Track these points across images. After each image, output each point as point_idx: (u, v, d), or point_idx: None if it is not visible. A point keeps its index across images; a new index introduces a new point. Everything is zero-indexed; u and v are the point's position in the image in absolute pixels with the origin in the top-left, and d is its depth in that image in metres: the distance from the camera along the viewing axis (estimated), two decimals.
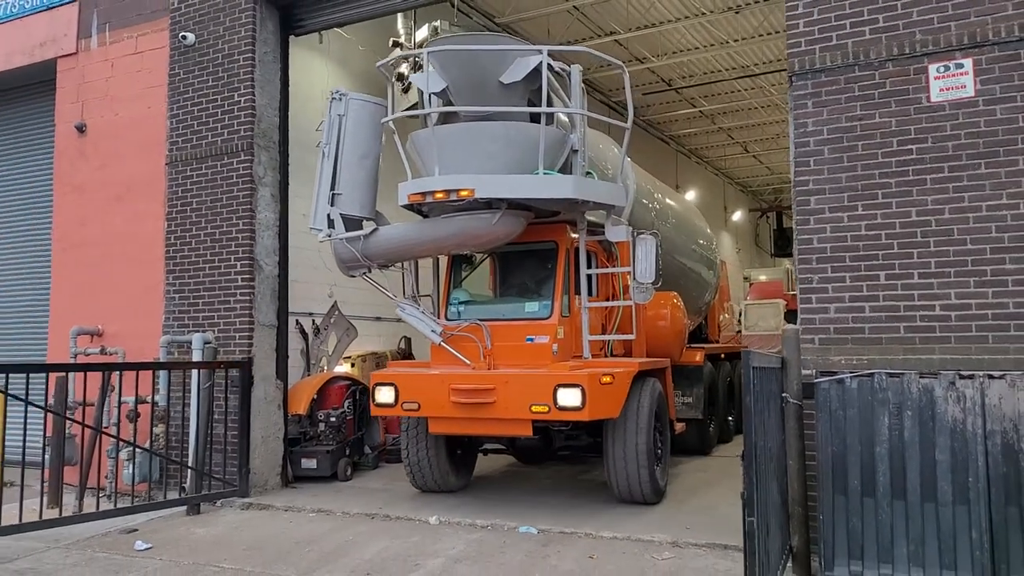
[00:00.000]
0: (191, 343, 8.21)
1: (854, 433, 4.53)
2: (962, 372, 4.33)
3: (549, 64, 6.76)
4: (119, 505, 7.38)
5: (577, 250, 7.45)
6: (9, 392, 6.60)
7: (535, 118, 6.88)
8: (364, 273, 7.62)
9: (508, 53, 6.80)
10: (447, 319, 7.60)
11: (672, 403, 8.16)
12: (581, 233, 7.39)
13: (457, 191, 6.55)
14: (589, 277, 7.52)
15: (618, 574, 5.40)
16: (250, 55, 8.51)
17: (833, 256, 5.88)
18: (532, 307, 7.42)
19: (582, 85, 7.13)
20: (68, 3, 9.70)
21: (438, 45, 7.15)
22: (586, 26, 15.91)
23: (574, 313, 7.41)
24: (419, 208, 7.38)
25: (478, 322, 7.27)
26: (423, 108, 7.37)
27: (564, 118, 7.41)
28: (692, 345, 10.07)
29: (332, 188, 7.42)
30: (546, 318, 7.23)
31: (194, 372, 7.91)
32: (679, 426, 8.49)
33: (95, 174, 9.28)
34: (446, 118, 7.28)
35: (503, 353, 7.11)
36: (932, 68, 5.65)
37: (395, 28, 11.43)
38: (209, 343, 8.21)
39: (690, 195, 27.14)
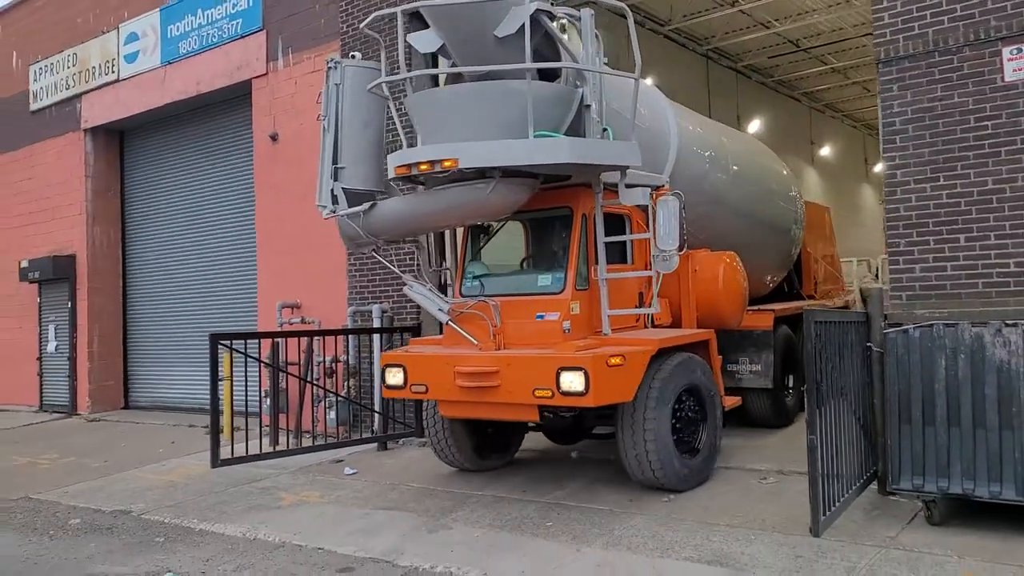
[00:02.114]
0: (371, 312, 9.99)
1: (916, 374, 5.45)
2: (1008, 320, 5.17)
3: (550, 13, 6.20)
4: (326, 442, 9.28)
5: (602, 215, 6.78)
6: (241, 351, 8.56)
7: (545, 74, 6.31)
8: (372, 249, 7.22)
9: (502, 4, 6.04)
10: (462, 294, 7.13)
11: (719, 376, 7.31)
12: (597, 197, 6.70)
13: (440, 162, 5.99)
14: (623, 244, 6.98)
15: (728, 491, 6.61)
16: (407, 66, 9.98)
17: (918, 222, 6.69)
18: (545, 280, 6.81)
19: (596, 32, 6.44)
20: (257, 32, 11.61)
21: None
22: None
23: (595, 286, 6.71)
24: (416, 179, 6.77)
25: (485, 299, 6.74)
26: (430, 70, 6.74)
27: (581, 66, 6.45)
28: (762, 307, 9.23)
29: (335, 162, 7.01)
30: (558, 292, 6.59)
31: (375, 336, 9.67)
32: (730, 400, 7.62)
33: (286, 175, 11.18)
34: (454, 80, 6.64)
35: (513, 332, 6.61)
36: (1005, 51, 6.31)
37: None
38: (386, 312, 9.95)
39: (825, 150, 26.98)
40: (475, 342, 6.66)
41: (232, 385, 9.74)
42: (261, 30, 11.55)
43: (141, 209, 14.33)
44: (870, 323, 6.24)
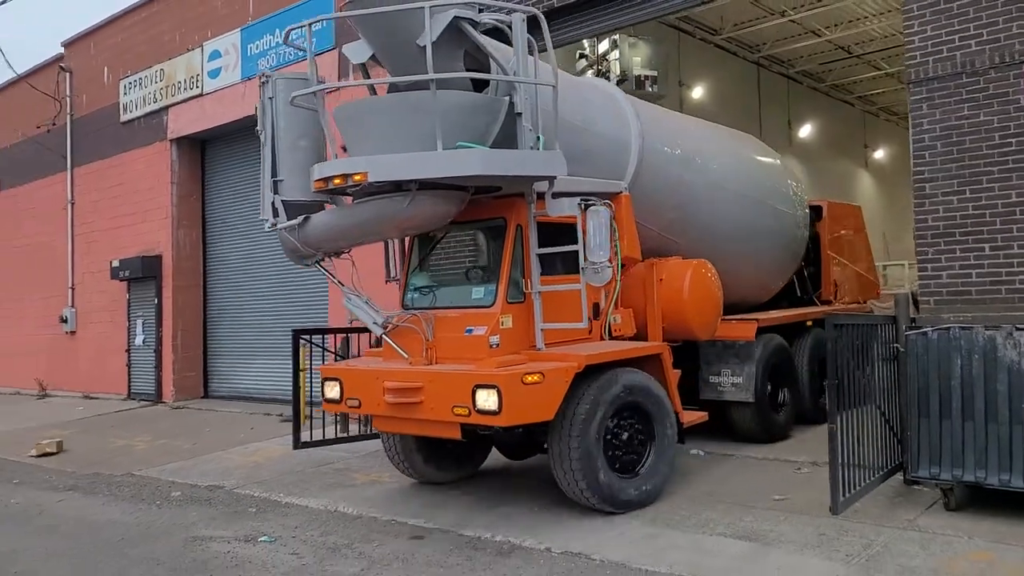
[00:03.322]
0: None
1: (934, 372, 5.97)
2: (1018, 325, 5.66)
3: (472, 20, 6.04)
4: None
5: (546, 225, 6.52)
6: (319, 345, 9.42)
7: (477, 83, 6.24)
8: (317, 262, 6.99)
9: (419, 12, 5.82)
10: (404, 306, 7.10)
11: (674, 392, 6.90)
12: (530, 208, 6.44)
13: (352, 175, 5.87)
14: (575, 255, 6.43)
15: (763, 479, 7.22)
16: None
17: (945, 232, 7.18)
18: (478, 293, 6.66)
19: (527, 37, 6.16)
20: (329, 50, 12.52)
21: (353, 8, 6.31)
22: (761, 8, 16.90)
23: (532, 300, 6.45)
24: (343, 192, 6.61)
25: (418, 312, 6.71)
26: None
27: (508, 74, 6.15)
28: (745, 317, 8.63)
29: (274, 175, 6.89)
30: (489, 306, 6.41)
31: None
32: (692, 416, 7.21)
33: None
34: (392, 91, 6.57)
35: (445, 346, 6.50)
36: None
37: (580, 41, 13.30)
38: None
39: (880, 153, 26.96)
40: (406, 356, 6.60)
41: (308, 375, 10.62)
42: (333, 48, 12.45)
43: (220, 212, 15.45)
44: (897, 325, 6.77)
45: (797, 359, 9.23)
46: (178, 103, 15.13)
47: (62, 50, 18.08)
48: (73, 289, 17.38)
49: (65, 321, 17.29)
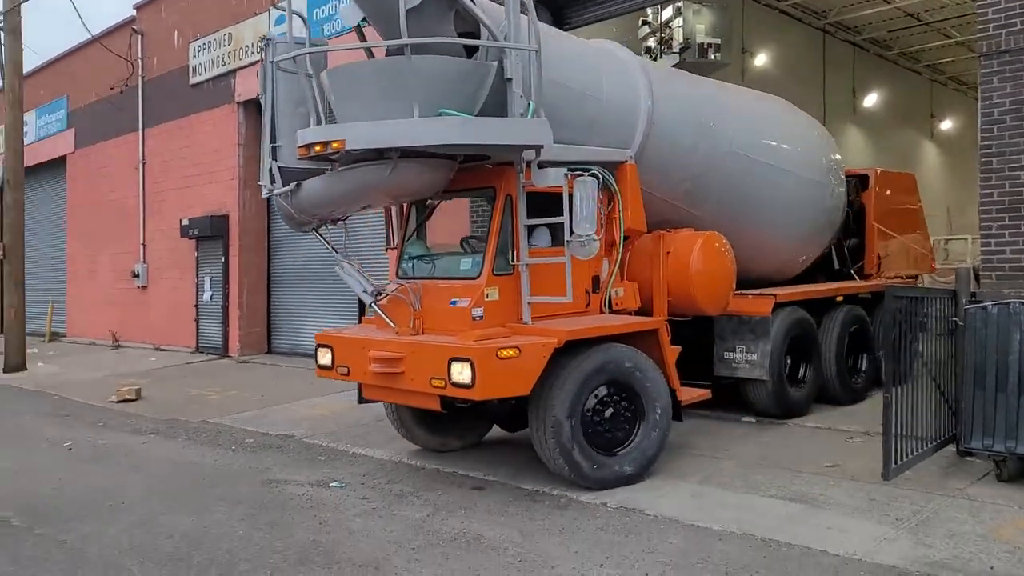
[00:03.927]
0: None
1: (992, 346, 6.03)
2: None
3: None
4: None
5: (538, 196, 6.32)
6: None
7: (469, 48, 6.10)
8: (314, 228, 6.92)
9: None
10: (398, 275, 7.10)
11: (671, 369, 6.73)
12: (519, 177, 6.26)
13: (331, 143, 5.78)
14: (554, 228, 6.34)
15: (815, 447, 7.39)
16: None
17: (1010, 207, 7.16)
18: (466, 264, 6.61)
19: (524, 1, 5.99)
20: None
21: None
22: None
23: (530, 269, 6.33)
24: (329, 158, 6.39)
25: (407, 282, 6.71)
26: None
27: (498, 38, 5.97)
28: (763, 292, 8.29)
29: (272, 141, 6.74)
30: (474, 278, 6.36)
31: None
32: (693, 393, 7.07)
33: None
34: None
35: (432, 317, 6.49)
36: None
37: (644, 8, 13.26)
38: None
39: (947, 123, 26.22)
40: (393, 326, 6.60)
41: None
42: None
43: None
44: (957, 299, 6.81)
45: (824, 336, 8.91)
46: (245, 67, 15.54)
47: (134, 13, 18.64)
48: (144, 246, 18.14)
49: (137, 276, 18.09)
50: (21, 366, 15.01)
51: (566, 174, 6.07)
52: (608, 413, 6.29)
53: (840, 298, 9.26)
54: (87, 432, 9.44)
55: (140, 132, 18.26)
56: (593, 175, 6.17)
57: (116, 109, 18.75)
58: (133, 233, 18.40)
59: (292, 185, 6.51)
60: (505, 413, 7.60)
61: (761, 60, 17.72)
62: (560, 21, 11.32)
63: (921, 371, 6.29)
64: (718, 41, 12.66)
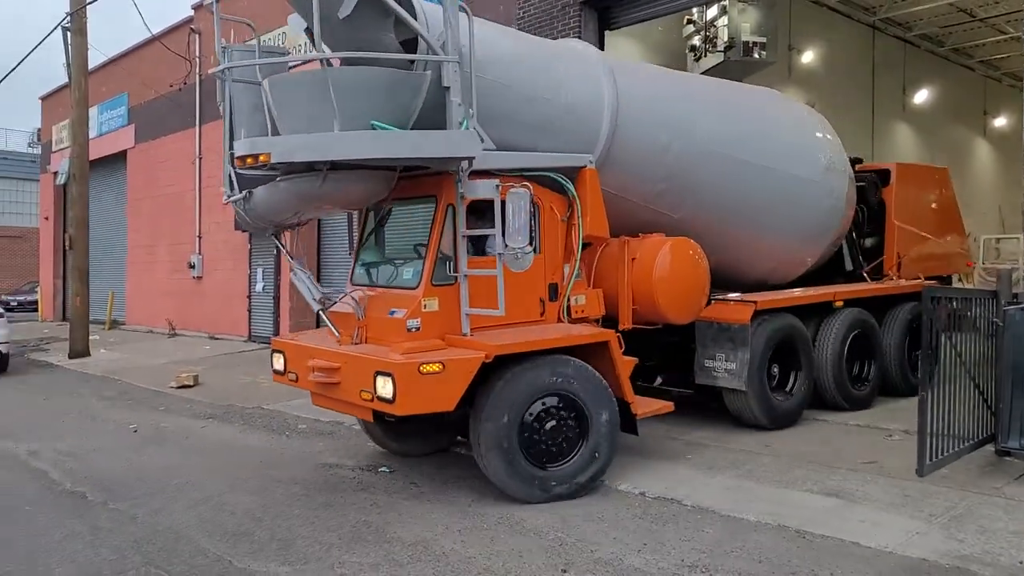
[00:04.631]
0: None
1: None
2: None
3: None
4: None
5: (482, 206, 6.15)
6: None
7: (408, 52, 5.95)
8: (271, 234, 6.90)
9: None
10: (351, 282, 7.09)
11: (624, 382, 6.52)
12: (457, 186, 6.09)
13: (259, 156, 5.72)
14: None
15: (854, 444, 7.49)
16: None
17: None
18: (407, 273, 6.51)
19: (462, 5, 5.85)
20: None
21: None
22: None
23: (475, 280, 6.14)
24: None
25: (349, 292, 6.75)
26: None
27: (434, 46, 5.74)
28: (744, 297, 7.97)
29: (231, 147, 6.58)
30: (413, 288, 6.26)
31: None
32: (652, 406, 6.88)
33: None
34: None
35: (374, 326, 6.39)
36: None
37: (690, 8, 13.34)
38: None
39: (1001, 121, 25.66)
40: (337, 335, 6.52)
41: None
42: None
43: None
44: (997, 300, 6.87)
45: (820, 342, 8.52)
46: (296, 66, 15.94)
47: (192, 13, 19.28)
48: (200, 238, 18.81)
49: (193, 267, 18.77)
50: (85, 352, 15.75)
51: (497, 185, 5.98)
52: (549, 426, 6.12)
53: (840, 302, 8.77)
54: (150, 416, 9.96)
55: (197, 128, 18.90)
56: (524, 187, 6.05)
57: (174, 105, 19.43)
58: (189, 225, 19.09)
59: (244, 192, 6.48)
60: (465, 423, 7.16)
61: (808, 58, 17.61)
62: (606, 21, 11.49)
63: (959, 371, 6.37)
64: (764, 39, 12.64)
